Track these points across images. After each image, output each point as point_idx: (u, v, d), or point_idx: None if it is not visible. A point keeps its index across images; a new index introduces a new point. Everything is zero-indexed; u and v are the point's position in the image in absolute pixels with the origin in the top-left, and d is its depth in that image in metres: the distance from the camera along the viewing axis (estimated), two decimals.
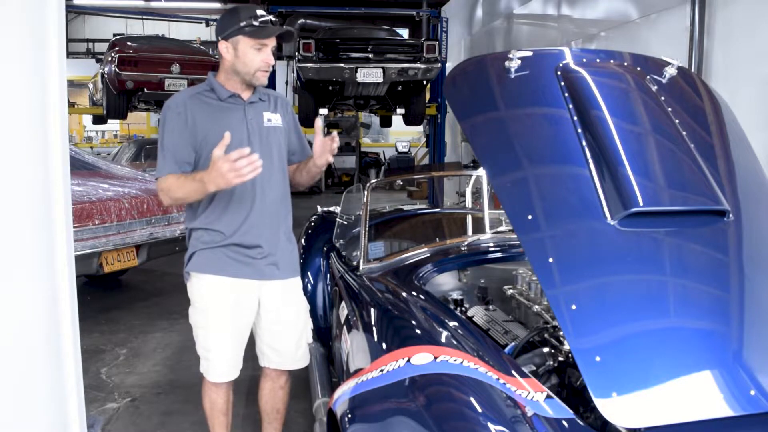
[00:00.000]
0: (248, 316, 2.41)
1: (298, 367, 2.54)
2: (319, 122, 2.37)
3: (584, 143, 1.86)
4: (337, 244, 3.46)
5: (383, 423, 1.49)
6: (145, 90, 9.02)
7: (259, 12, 2.28)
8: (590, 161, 1.82)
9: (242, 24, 2.24)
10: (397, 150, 18.36)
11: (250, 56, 2.28)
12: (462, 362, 1.58)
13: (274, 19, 2.31)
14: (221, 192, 2.27)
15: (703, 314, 1.64)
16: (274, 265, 2.39)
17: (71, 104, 12.62)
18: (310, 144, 2.47)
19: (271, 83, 9.08)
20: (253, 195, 2.33)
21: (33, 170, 1.54)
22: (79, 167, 5.32)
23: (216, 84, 2.35)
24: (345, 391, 1.67)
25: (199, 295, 2.37)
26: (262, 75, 2.31)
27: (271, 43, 2.29)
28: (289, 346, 2.48)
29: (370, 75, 8.22)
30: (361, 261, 2.77)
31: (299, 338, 2.50)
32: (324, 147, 2.36)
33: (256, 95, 2.39)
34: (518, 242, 2.54)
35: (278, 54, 9.99)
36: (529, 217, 1.78)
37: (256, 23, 2.25)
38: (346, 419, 1.55)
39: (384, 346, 1.91)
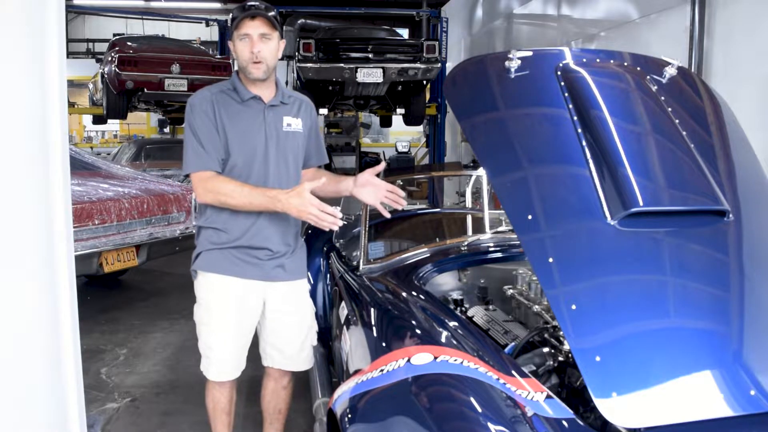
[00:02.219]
0: (252, 316, 2.41)
1: (301, 368, 2.53)
2: (380, 168, 2.32)
3: (584, 143, 1.86)
4: (337, 244, 3.46)
5: (383, 423, 1.49)
6: (145, 90, 9.02)
7: (248, 4, 2.25)
8: (590, 161, 1.82)
9: (231, 19, 2.27)
10: (397, 150, 18.34)
11: (239, 49, 2.27)
12: (462, 362, 1.58)
13: (259, 6, 2.25)
14: None
15: (703, 314, 1.64)
16: (280, 267, 2.38)
17: (71, 104, 12.63)
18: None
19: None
20: None
21: (33, 170, 1.54)
22: (79, 167, 5.32)
23: (238, 84, 2.33)
24: (345, 391, 1.67)
25: (204, 293, 2.37)
26: (253, 67, 2.26)
27: (254, 30, 2.23)
28: (293, 347, 2.47)
29: (370, 75, 8.22)
30: (361, 261, 2.77)
31: (303, 340, 2.49)
32: (377, 193, 2.29)
33: (278, 98, 2.36)
34: (518, 242, 2.54)
35: None
36: (529, 217, 1.78)
37: (237, 14, 2.25)
38: (346, 419, 1.55)
39: (384, 346, 1.91)
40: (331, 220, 2.09)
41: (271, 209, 2.20)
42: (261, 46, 2.25)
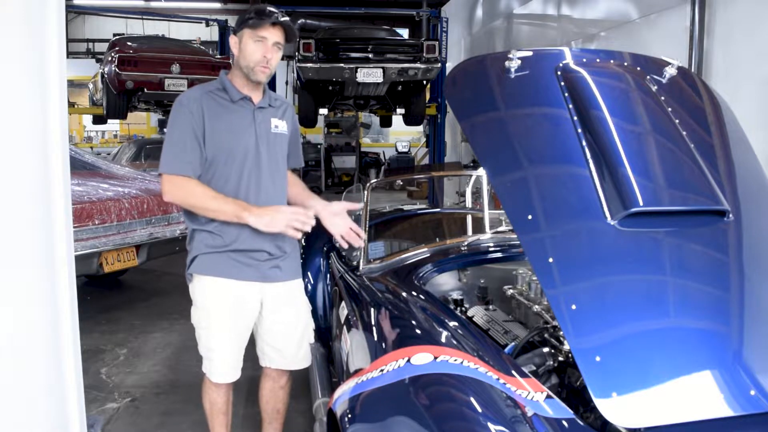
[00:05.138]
0: (250, 317, 2.41)
1: (299, 367, 2.54)
2: (356, 206, 2.43)
3: (584, 143, 1.86)
4: (337, 244, 3.45)
5: (383, 423, 1.49)
6: (145, 90, 9.02)
7: (270, 9, 2.27)
8: (590, 161, 1.82)
9: (248, 17, 2.27)
10: (397, 150, 18.36)
11: (250, 49, 2.27)
12: (462, 362, 1.58)
13: (281, 15, 2.27)
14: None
15: (703, 314, 1.64)
16: (276, 268, 2.39)
17: (71, 104, 12.62)
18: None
19: (271, 83, 9.06)
20: (257, 200, 2.32)
21: (33, 170, 1.54)
22: (79, 167, 5.32)
23: (228, 84, 2.34)
24: (345, 391, 1.67)
25: (201, 296, 2.37)
26: (260, 71, 2.27)
27: (271, 36, 2.25)
28: (291, 346, 2.48)
29: (370, 75, 8.22)
30: (361, 261, 2.77)
31: (301, 339, 2.50)
32: (344, 227, 2.37)
33: (266, 100, 2.38)
34: (518, 242, 2.54)
35: None
36: (529, 217, 1.78)
37: (258, 16, 2.25)
38: (346, 419, 1.55)
39: (384, 346, 1.91)
40: (303, 225, 2.22)
41: (240, 219, 2.23)
42: (273, 54, 2.28)
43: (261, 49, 2.25)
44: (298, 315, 2.50)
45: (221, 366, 2.39)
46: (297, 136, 2.57)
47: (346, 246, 2.38)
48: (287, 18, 2.30)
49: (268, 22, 2.24)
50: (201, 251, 2.35)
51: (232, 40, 2.33)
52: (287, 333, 2.47)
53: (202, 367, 2.43)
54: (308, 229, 2.21)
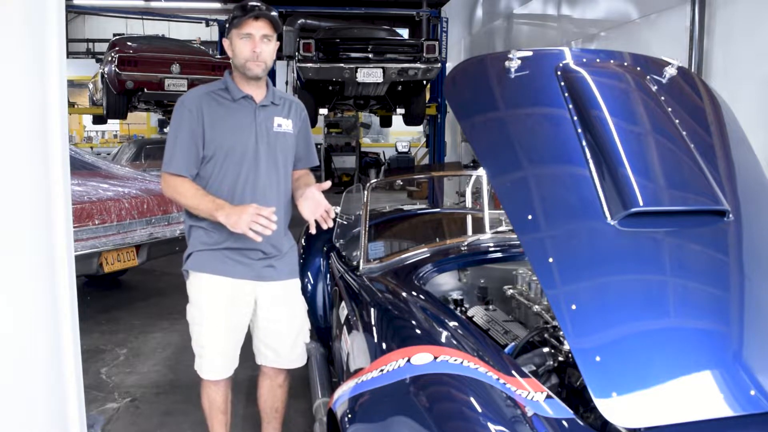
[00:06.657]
0: (244, 315, 2.42)
1: (294, 366, 2.54)
2: (326, 185, 2.36)
3: (584, 143, 1.86)
4: (337, 244, 3.46)
5: (383, 423, 1.49)
6: (145, 90, 9.01)
7: (251, 4, 2.27)
8: (590, 161, 1.83)
9: (232, 17, 2.29)
10: (397, 150, 18.36)
11: (239, 47, 2.29)
12: (462, 362, 1.58)
13: (261, 7, 2.28)
14: (222, 196, 2.29)
15: (703, 314, 1.64)
16: (271, 267, 2.39)
17: (71, 104, 12.61)
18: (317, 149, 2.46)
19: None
20: (253, 200, 2.32)
21: (33, 170, 1.54)
22: (79, 167, 5.32)
23: (230, 83, 2.35)
24: (345, 391, 1.67)
25: (196, 292, 2.38)
26: (252, 65, 2.28)
27: (257, 30, 2.26)
28: (285, 345, 2.48)
29: (370, 75, 8.22)
30: (361, 261, 2.77)
31: (295, 338, 2.50)
32: (315, 209, 2.28)
33: (268, 98, 2.38)
34: (518, 242, 2.54)
35: (278, 54, 9.94)
36: (529, 217, 1.78)
37: (240, 13, 2.27)
38: (346, 419, 1.55)
39: (384, 346, 1.91)
40: (262, 227, 2.13)
41: (213, 217, 2.22)
42: (262, 47, 2.28)
43: (249, 45, 2.27)
44: (292, 315, 2.50)
45: (210, 363, 2.40)
46: (308, 134, 2.55)
47: (314, 231, 2.30)
48: (267, 9, 2.29)
49: (250, 17, 2.25)
50: (196, 248, 2.37)
51: (225, 44, 2.36)
52: (281, 332, 2.47)
53: (195, 364, 2.43)
54: (268, 233, 2.15)
